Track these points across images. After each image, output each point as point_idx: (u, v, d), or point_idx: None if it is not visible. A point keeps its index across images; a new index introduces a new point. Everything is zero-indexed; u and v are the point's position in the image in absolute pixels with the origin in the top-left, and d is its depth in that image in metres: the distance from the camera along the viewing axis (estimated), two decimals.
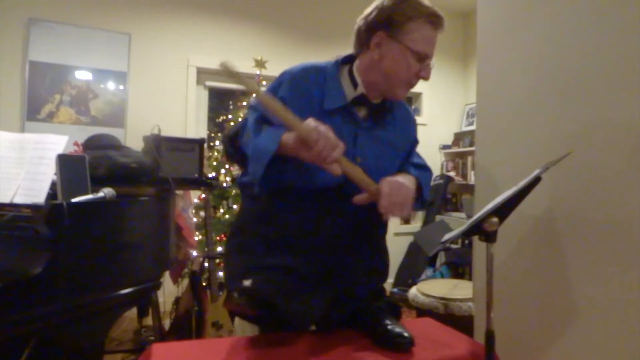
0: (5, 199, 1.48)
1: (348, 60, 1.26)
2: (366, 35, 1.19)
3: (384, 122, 1.27)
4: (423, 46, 1.16)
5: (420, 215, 4.93)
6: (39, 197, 1.46)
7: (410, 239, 4.65)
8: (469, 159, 4.70)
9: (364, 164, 1.15)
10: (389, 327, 1.17)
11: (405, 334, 1.14)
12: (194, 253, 2.69)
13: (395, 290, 4.30)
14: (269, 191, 1.21)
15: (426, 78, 1.21)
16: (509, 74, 1.69)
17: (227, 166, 3.35)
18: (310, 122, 1.03)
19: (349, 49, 1.28)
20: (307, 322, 1.21)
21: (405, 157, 1.35)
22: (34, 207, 1.39)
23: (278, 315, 1.11)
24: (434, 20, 1.17)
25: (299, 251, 1.18)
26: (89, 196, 1.50)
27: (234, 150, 1.36)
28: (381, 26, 1.16)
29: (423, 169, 1.36)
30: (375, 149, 1.24)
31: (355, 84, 1.22)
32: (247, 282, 1.13)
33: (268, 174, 1.10)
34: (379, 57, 1.17)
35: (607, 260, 1.29)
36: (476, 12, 1.89)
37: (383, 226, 1.35)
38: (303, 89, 1.19)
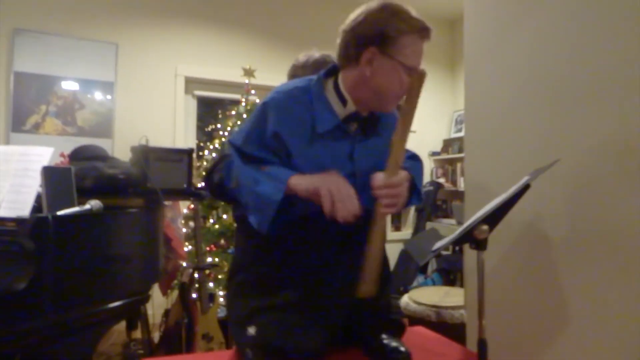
0: None
1: (329, 73, 1.22)
2: (355, 50, 1.13)
3: (373, 131, 1.24)
4: (415, 60, 1.14)
5: (410, 222, 4.94)
6: (24, 210, 1.44)
7: (401, 246, 4.65)
8: (459, 165, 4.72)
9: (363, 179, 1.12)
10: (385, 341, 1.16)
11: (402, 349, 1.13)
12: (184, 264, 2.66)
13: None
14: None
15: None
16: (497, 81, 1.70)
17: None
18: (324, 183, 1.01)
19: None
20: (318, 356, 1.16)
21: None
22: (18, 221, 1.36)
23: (288, 357, 1.08)
24: (425, 34, 1.16)
25: (301, 282, 1.14)
26: (75, 209, 1.48)
27: (216, 189, 1.30)
28: (372, 42, 1.11)
29: (413, 159, 1.34)
30: (371, 161, 1.20)
31: (343, 100, 1.17)
32: (251, 330, 1.09)
33: (275, 222, 1.06)
34: (371, 74, 1.12)
35: (597, 266, 1.30)
36: (463, 20, 1.91)
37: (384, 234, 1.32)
38: (292, 115, 1.14)
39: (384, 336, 1.18)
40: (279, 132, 1.11)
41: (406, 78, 1.13)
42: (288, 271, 1.15)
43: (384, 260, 1.32)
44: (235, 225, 1.50)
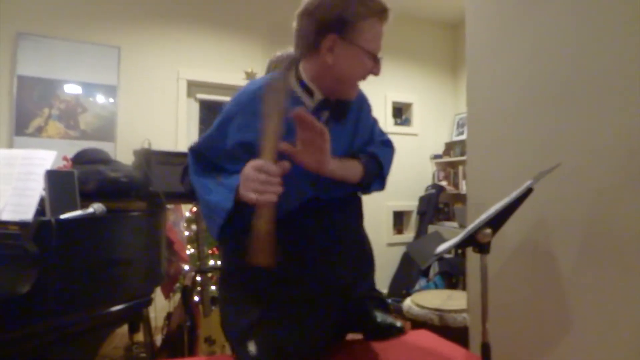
0: None
1: (289, 66, 1.18)
2: (315, 37, 1.09)
3: (344, 116, 1.21)
4: (375, 44, 1.11)
5: (413, 226, 4.93)
6: (27, 213, 1.44)
7: (403, 249, 4.65)
8: (460, 168, 4.72)
9: None
10: (379, 319, 1.14)
11: (398, 324, 1.11)
12: (186, 267, 2.66)
13: (389, 301, 4.28)
14: (234, 233, 1.10)
15: (377, 74, 1.15)
16: (499, 84, 1.70)
17: None
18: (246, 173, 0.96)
19: None
20: (322, 352, 1.16)
21: (368, 140, 1.29)
22: (21, 224, 1.36)
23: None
24: (384, 16, 1.11)
25: (293, 283, 1.12)
26: (78, 212, 1.48)
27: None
28: (332, 28, 1.07)
29: (384, 144, 1.32)
30: (341, 144, 1.18)
31: (309, 91, 1.15)
32: (251, 348, 1.06)
33: (227, 226, 1.04)
34: (333, 61, 1.09)
35: (601, 269, 1.30)
36: (465, 23, 1.91)
37: (359, 217, 1.29)
38: (258, 113, 1.07)
39: (376, 314, 1.15)
40: (243, 140, 1.08)
41: (368, 62, 1.11)
42: (277, 274, 1.10)
43: (366, 239, 1.30)
44: None
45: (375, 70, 1.14)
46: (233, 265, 1.21)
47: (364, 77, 1.14)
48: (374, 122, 1.35)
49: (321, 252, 1.14)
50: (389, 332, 1.10)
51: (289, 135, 1.01)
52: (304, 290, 1.12)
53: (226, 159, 1.11)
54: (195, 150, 1.17)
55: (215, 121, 1.16)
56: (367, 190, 1.26)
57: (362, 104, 1.28)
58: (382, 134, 1.36)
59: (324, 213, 1.15)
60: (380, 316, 1.15)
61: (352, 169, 1.16)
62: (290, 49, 1.68)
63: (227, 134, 1.11)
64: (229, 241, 1.21)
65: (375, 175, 1.23)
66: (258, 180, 0.93)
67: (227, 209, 1.01)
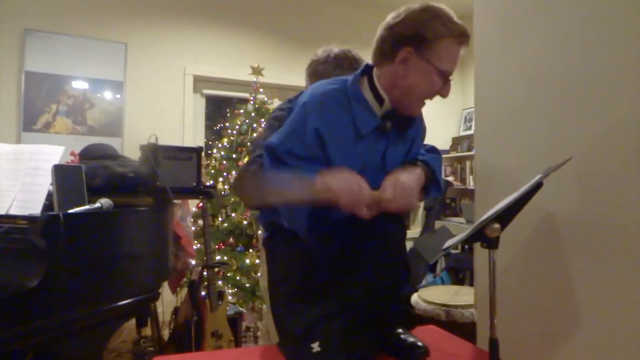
0: (1, 211, 1.46)
1: (364, 71, 1.21)
2: (392, 47, 1.13)
3: (407, 129, 1.25)
4: (450, 66, 1.13)
5: (419, 221, 4.92)
6: (35, 208, 1.45)
7: (410, 244, 4.64)
8: (468, 163, 4.69)
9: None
10: (402, 336, 1.15)
11: (420, 344, 1.13)
12: (193, 262, 2.67)
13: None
14: (285, 239, 1.17)
15: (445, 96, 1.18)
16: (507, 78, 1.68)
17: (225, 174, 3.34)
18: (328, 180, 1.02)
19: None
20: (376, 350, 1.18)
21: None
22: (29, 219, 1.37)
23: None
24: (464, 40, 1.15)
25: (351, 284, 1.13)
26: (86, 207, 1.49)
27: (251, 193, 1.29)
28: (409, 41, 1.10)
29: (432, 152, 1.35)
30: (398, 157, 1.23)
31: (379, 99, 1.17)
32: (315, 346, 1.06)
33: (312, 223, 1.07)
34: (404, 72, 1.12)
35: (610, 264, 1.28)
36: (472, 17, 1.89)
37: (403, 227, 1.32)
38: (332, 115, 1.13)
39: (400, 330, 1.17)
40: (320, 129, 1.11)
41: (438, 82, 1.13)
42: (337, 275, 1.13)
43: (399, 249, 1.30)
44: (260, 229, 1.48)
45: (443, 92, 1.17)
46: (286, 268, 1.23)
47: (431, 96, 1.17)
48: (423, 145, 1.39)
49: (370, 256, 1.16)
50: (413, 352, 1.13)
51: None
52: (356, 292, 1.13)
53: (304, 160, 1.13)
54: (273, 150, 1.15)
55: (287, 124, 1.18)
56: (426, 197, 1.28)
57: (420, 128, 1.35)
58: (425, 144, 1.40)
59: (374, 219, 1.15)
60: (403, 333, 1.17)
61: (420, 178, 1.19)
62: (333, 48, 1.67)
63: (304, 132, 1.12)
64: (280, 246, 1.25)
65: (430, 182, 1.25)
66: (355, 190, 1.02)
67: (313, 180, 1.04)
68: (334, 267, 1.14)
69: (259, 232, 1.70)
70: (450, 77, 1.16)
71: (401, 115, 1.20)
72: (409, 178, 1.13)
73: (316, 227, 1.09)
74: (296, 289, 1.17)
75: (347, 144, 1.14)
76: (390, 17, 1.15)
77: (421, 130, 1.36)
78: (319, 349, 1.06)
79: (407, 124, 1.23)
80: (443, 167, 4.94)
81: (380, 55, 1.17)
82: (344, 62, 1.56)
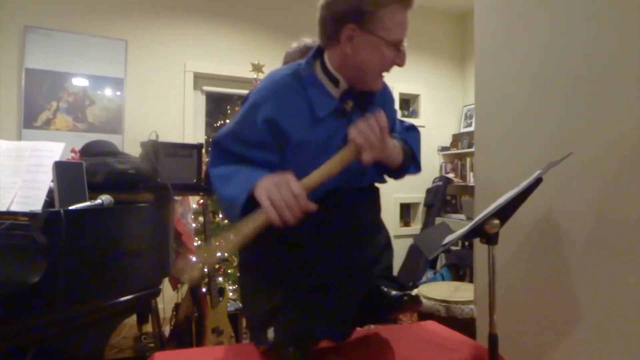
0: (2, 208, 1.47)
1: (315, 54, 1.16)
2: (333, 27, 1.08)
3: (369, 106, 1.19)
4: (397, 33, 1.07)
5: (420, 218, 4.92)
6: (36, 205, 1.45)
7: (410, 241, 4.64)
8: (468, 160, 4.69)
9: None
10: (393, 293, 1.12)
11: (412, 293, 1.10)
12: (193, 259, 2.67)
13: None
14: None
15: (401, 64, 1.12)
16: (508, 75, 1.68)
17: None
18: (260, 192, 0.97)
19: None
20: (343, 336, 1.17)
21: (392, 130, 1.28)
22: (31, 215, 1.37)
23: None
24: (407, 3, 1.07)
25: (311, 266, 1.12)
26: (87, 203, 1.49)
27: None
28: (350, 18, 1.04)
29: (410, 130, 1.31)
30: None
31: (334, 80, 1.13)
32: (270, 333, 1.07)
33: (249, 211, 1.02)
34: (352, 51, 1.07)
35: (609, 261, 1.28)
36: (473, 14, 1.89)
37: (377, 207, 1.30)
38: (286, 102, 1.10)
39: (390, 290, 1.13)
40: (274, 117, 1.08)
41: (389, 53, 1.08)
42: (301, 260, 1.12)
43: (384, 227, 1.28)
44: None
45: (398, 61, 1.11)
46: (254, 252, 1.21)
47: (386, 68, 1.12)
48: (395, 112, 1.34)
49: (341, 238, 1.14)
50: (405, 303, 1.09)
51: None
52: (325, 275, 1.11)
53: (253, 147, 1.10)
54: (219, 142, 1.15)
55: (239, 113, 1.15)
56: (404, 173, 1.25)
57: (385, 95, 1.27)
58: (403, 121, 1.35)
59: (344, 202, 1.14)
60: (394, 291, 1.13)
61: (397, 148, 1.16)
62: (305, 39, 1.69)
63: (255, 121, 1.10)
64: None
65: (409, 159, 1.22)
66: (283, 199, 0.94)
67: (239, 205, 1.00)
68: (296, 250, 1.12)
69: None
70: (404, 44, 1.10)
71: (361, 92, 1.16)
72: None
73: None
74: (261, 273, 1.17)
75: (305, 129, 1.10)
76: None
77: (387, 95, 1.29)
78: (272, 335, 1.06)
79: (369, 100, 1.18)
80: (443, 164, 4.96)
81: (325, 37, 1.12)
82: None
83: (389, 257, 1.27)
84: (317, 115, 1.11)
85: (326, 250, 1.13)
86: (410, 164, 1.23)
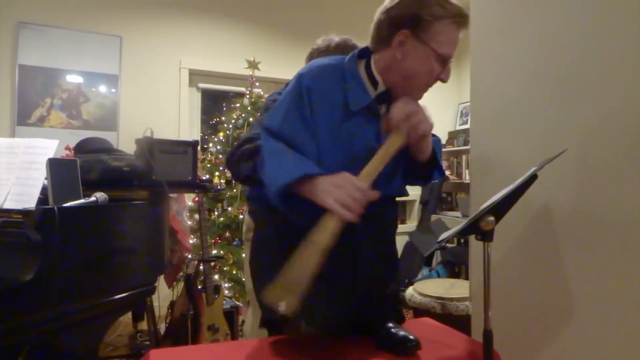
0: None
1: (362, 54, 1.19)
2: (388, 31, 1.10)
3: None
4: (448, 49, 1.10)
5: (415, 215, 4.93)
6: (30, 202, 1.44)
7: (405, 238, 4.65)
8: (464, 157, 4.71)
9: None
10: (393, 330, 1.15)
11: (411, 337, 1.13)
12: (189, 256, 2.67)
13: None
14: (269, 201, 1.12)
15: (445, 80, 1.15)
16: (503, 72, 1.69)
17: (221, 168, 3.33)
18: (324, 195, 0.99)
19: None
20: (335, 327, 1.16)
21: None
22: (24, 212, 1.37)
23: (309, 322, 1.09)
24: (461, 21, 1.11)
25: (331, 266, 1.10)
26: (81, 200, 1.48)
27: (240, 174, 1.28)
28: (406, 24, 1.08)
29: (432, 136, 1.32)
30: None
31: (374, 82, 1.15)
32: (282, 306, 1.04)
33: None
34: (402, 56, 1.10)
35: (604, 257, 1.29)
36: (469, 11, 1.89)
37: (394, 220, 1.32)
38: (326, 89, 1.12)
39: (390, 325, 1.17)
40: (311, 93, 1.10)
41: (437, 66, 1.10)
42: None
43: (391, 247, 1.30)
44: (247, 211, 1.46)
45: (443, 76, 1.14)
46: (268, 231, 1.23)
47: (429, 81, 1.15)
48: None
49: (356, 241, 1.14)
50: (408, 349, 1.11)
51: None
52: (335, 268, 1.11)
53: (302, 137, 1.11)
54: (272, 127, 1.13)
55: (283, 102, 1.15)
56: (429, 179, 1.27)
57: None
58: None
59: (369, 209, 1.12)
60: (393, 327, 1.16)
61: (429, 146, 1.19)
62: (333, 37, 1.66)
63: (302, 101, 1.11)
64: (264, 208, 1.22)
65: (435, 164, 1.24)
66: (351, 197, 0.97)
67: (280, 185, 1.01)
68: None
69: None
70: (450, 61, 1.13)
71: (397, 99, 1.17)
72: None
73: (300, 205, 1.05)
74: (273, 253, 1.17)
75: (335, 119, 1.11)
76: (387, 1, 1.13)
77: None
78: (284, 308, 1.03)
79: None
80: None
81: (377, 40, 1.14)
82: (344, 50, 1.56)
83: (398, 274, 1.30)
84: (350, 107, 1.12)
85: (340, 246, 1.11)
86: (434, 169, 1.24)
